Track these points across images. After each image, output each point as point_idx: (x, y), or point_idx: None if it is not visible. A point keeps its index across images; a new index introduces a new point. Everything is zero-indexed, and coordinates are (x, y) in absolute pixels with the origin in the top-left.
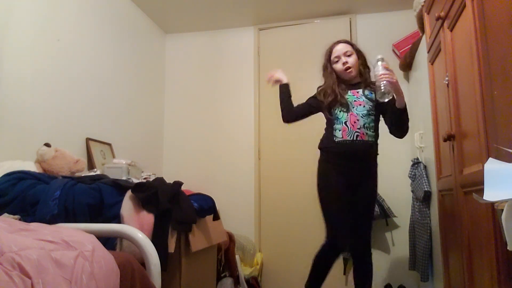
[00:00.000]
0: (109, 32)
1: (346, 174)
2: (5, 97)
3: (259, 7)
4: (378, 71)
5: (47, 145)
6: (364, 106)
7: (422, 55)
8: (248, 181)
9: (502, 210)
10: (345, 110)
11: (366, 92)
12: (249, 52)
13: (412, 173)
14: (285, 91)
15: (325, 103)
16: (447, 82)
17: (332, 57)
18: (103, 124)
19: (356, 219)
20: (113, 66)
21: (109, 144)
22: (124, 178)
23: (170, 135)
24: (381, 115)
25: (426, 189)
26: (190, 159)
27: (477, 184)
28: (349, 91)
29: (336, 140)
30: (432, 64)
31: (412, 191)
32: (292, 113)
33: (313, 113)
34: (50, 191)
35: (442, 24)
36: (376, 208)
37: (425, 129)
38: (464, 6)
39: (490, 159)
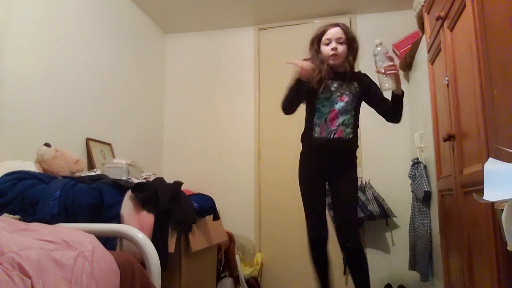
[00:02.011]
0: (109, 32)
1: (323, 168)
2: (5, 97)
3: (259, 7)
4: (381, 61)
5: (47, 145)
6: (345, 102)
7: (422, 55)
8: (248, 181)
9: (502, 210)
10: (328, 104)
11: (350, 85)
12: (249, 52)
13: (412, 173)
14: (300, 88)
15: (312, 82)
16: (447, 82)
17: (323, 38)
18: (103, 124)
19: (340, 211)
20: (113, 66)
21: (109, 144)
22: (124, 178)
23: (170, 135)
24: (371, 106)
25: (426, 189)
26: (190, 159)
27: (477, 184)
28: (335, 82)
29: (314, 135)
30: (432, 64)
31: (412, 191)
32: (293, 107)
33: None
34: (50, 191)
35: (442, 24)
36: (376, 208)
37: (425, 129)
38: (464, 6)
39: (490, 159)
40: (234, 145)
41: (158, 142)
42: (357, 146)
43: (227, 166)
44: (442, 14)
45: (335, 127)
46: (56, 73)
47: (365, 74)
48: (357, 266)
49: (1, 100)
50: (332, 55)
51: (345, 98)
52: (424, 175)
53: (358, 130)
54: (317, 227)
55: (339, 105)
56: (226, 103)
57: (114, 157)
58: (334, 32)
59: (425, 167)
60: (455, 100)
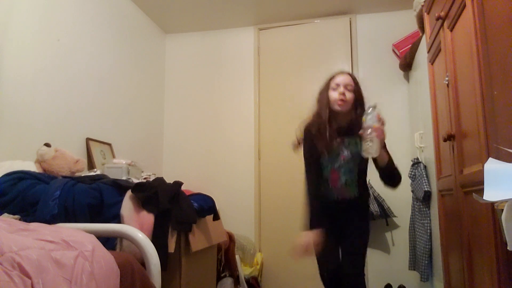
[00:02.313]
0: (109, 32)
1: (334, 225)
2: (5, 97)
3: (259, 7)
4: (372, 121)
5: (47, 145)
6: (346, 160)
7: (422, 55)
8: (248, 181)
9: (502, 210)
10: (328, 164)
11: (353, 141)
12: (249, 52)
13: (412, 173)
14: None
15: (320, 150)
16: (447, 82)
17: (331, 83)
18: (103, 124)
19: (346, 259)
20: (113, 66)
21: (109, 144)
22: (124, 178)
23: (170, 135)
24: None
25: (426, 189)
26: (190, 159)
27: (477, 184)
28: (336, 140)
29: (320, 198)
30: (432, 64)
31: (412, 191)
32: (321, 183)
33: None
34: (50, 191)
35: (442, 24)
36: (376, 208)
37: (425, 129)
38: (464, 6)
39: (490, 159)
40: (234, 145)
41: (158, 142)
42: (368, 198)
43: (227, 166)
44: (442, 14)
45: (338, 189)
46: (56, 73)
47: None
48: None
49: (1, 100)
50: (340, 100)
51: (345, 157)
52: (424, 175)
53: (367, 182)
54: (327, 272)
55: (338, 164)
56: (226, 103)
57: (114, 157)
58: (343, 79)
59: (425, 167)
60: (455, 100)
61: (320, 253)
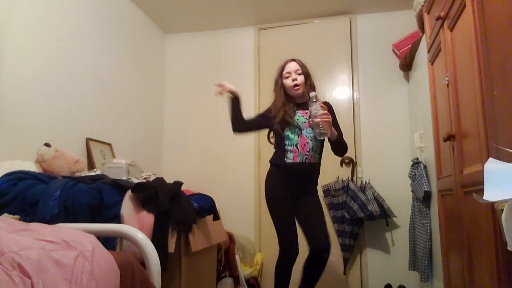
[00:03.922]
0: (109, 32)
1: (292, 188)
2: (5, 97)
3: (259, 7)
4: (317, 110)
5: (47, 145)
6: (312, 129)
7: (422, 55)
8: (248, 181)
9: (502, 210)
10: (296, 131)
11: None
12: (249, 52)
13: (412, 173)
14: (237, 104)
15: (276, 121)
16: (447, 82)
17: (283, 72)
18: (103, 124)
19: (310, 223)
20: (113, 66)
21: (109, 144)
22: (124, 178)
23: (170, 135)
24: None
25: (426, 189)
26: (190, 159)
27: (477, 184)
28: (298, 112)
29: (287, 161)
30: (432, 64)
31: (412, 191)
32: (242, 125)
33: (262, 129)
34: (50, 191)
35: (442, 24)
36: (376, 208)
37: (425, 129)
38: (464, 6)
39: (490, 159)
40: (234, 145)
41: (158, 142)
42: (319, 173)
43: (227, 166)
44: (442, 14)
45: (306, 152)
46: (56, 73)
47: (329, 105)
48: (316, 270)
49: (1, 100)
50: (294, 85)
51: (309, 124)
52: (424, 175)
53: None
54: (293, 242)
55: (306, 131)
56: (226, 103)
57: (114, 157)
58: (292, 66)
59: (425, 167)
60: (455, 100)
61: (285, 230)
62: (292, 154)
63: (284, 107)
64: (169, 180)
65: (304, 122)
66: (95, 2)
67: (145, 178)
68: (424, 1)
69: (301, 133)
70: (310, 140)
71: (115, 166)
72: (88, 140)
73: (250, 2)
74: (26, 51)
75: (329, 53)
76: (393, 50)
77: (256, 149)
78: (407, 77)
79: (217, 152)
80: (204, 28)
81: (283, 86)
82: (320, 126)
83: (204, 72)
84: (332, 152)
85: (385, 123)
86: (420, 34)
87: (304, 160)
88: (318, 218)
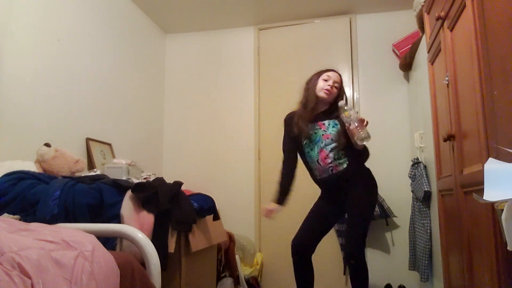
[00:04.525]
0: (109, 32)
1: (333, 196)
2: (5, 97)
3: (259, 7)
4: (355, 115)
5: (47, 145)
6: (331, 140)
7: (422, 55)
8: (248, 181)
9: (502, 210)
10: (314, 147)
11: (332, 123)
12: (249, 52)
13: (412, 173)
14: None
15: (295, 133)
16: (447, 82)
17: (324, 75)
18: (103, 124)
19: (346, 228)
20: (113, 66)
21: (109, 144)
22: (124, 178)
23: (170, 135)
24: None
25: (426, 189)
26: (190, 159)
27: (477, 184)
28: (315, 125)
29: (317, 178)
30: (432, 64)
31: (412, 191)
32: (293, 172)
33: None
34: (50, 191)
35: (442, 24)
36: (376, 208)
37: (425, 129)
38: (464, 6)
39: (490, 159)
40: (234, 145)
41: (158, 142)
42: (360, 163)
43: (227, 166)
44: (442, 14)
45: (329, 164)
46: (56, 73)
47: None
48: (358, 281)
49: (1, 100)
50: (327, 89)
51: (329, 136)
52: (424, 175)
53: (352, 151)
54: (301, 236)
55: (325, 143)
56: (226, 103)
57: (114, 157)
58: (335, 75)
59: (425, 167)
60: (455, 100)
61: (302, 225)
62: (317, 171)
63: (308, 118)
64: (169, 180)
65: (323, 134)
66: (95, 2)
67: (145, 178)
68: (424, 1)
69: (321, 147)
70: (330, 151)
71: (115, 166)
72: (88, 140)
73: (250, 2)
74: (26, 51)
75: (329, 53)
76: (393, 50)
77: (256, 149)
78: (407, 77)
79: (217, 152)
80: (204, 28)
81: (314, 87)
82: (361, 132)
83: (204, 72)
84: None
85: (385, 123)
86: (420, 34)
87: (330, 172)
88: (351, 223)
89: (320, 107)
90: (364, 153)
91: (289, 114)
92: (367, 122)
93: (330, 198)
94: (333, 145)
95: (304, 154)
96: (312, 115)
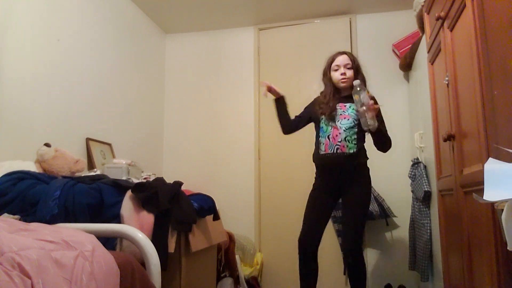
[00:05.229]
0: (109, 32)
1: (329, 184)
2: (5, 97)
3: (259, 7)
4: (365, 99)
5: (47, 145)
6: (348, 120)
7: (422, 55)
8: (248, 181)
9: (502, 210)
10: (330, 123)
11: (353, 105)
12: (249, 52)
13: (412, 173)
14: (282, 104)
15: (320, 112)
16: (447, 82)
17: (333, 65)
18: (103, 124)
19: (345, 224)
20: (113, 66)
21: (109, 144)
22: (124, 178)
23: (170, 135)
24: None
25: (426, 189)
26: (190, 159)
27: (477, 184)
28: (338, 106)
29: (320, 153)
30: (432, 64)
31: (412, 191)
32: (290, 126)
33: (310, 122)
34: (50, 191)
35: (442, 24)
36: (376, 208)
37: (425, 129)
38: (464, 6)
39: (490, 159)
40: (234, 145)
41: (158, 142)
42: (365, 160)
43: (227, 166)
44: (442, 14)
45: (338, 143)
46: (56, 73)
47: (374, 98)
48: (356, 277)
49: (1, 100)
50: (342, 78)
51: (347, 117)
52: (424, 175)
53: (364, 145)
54: (305, 232)
55: (341, 122)
56: (226, 103)
57: (114, 157)
58: (341, 59)
59: (425, 167)
60: (455, 100)
61: (304, 220)
62: (324, 145)
63: (329, 102)
64: (169, 180)
65: (340, 114)
66: (95, 2)
67: (145, 178)
68: (424, 1)
69: (335, 124)
70: (344, 130)
71: (115, 166)
72: (88, 140)
73: (250, 2)
74: (26, 51)
75: (329, 53)
76: (393, 50)
77: (256, 149)
78: (407, 77)
79: (217, 152)
80: (204, 28)
81: (331, 78)
82: (366, 117)
83: (204, 72)
84: (376, 148)
85: (385, 123)
86: (420, 34)
87: (335, 150)
88: (350, 219)
89: (344, 91)
90: (387, 141)
91: (318, 97)
92: (376, 108)
93: (324, 187)
94: (348, 125)
95: (319, 127)
96: (337, 98)
